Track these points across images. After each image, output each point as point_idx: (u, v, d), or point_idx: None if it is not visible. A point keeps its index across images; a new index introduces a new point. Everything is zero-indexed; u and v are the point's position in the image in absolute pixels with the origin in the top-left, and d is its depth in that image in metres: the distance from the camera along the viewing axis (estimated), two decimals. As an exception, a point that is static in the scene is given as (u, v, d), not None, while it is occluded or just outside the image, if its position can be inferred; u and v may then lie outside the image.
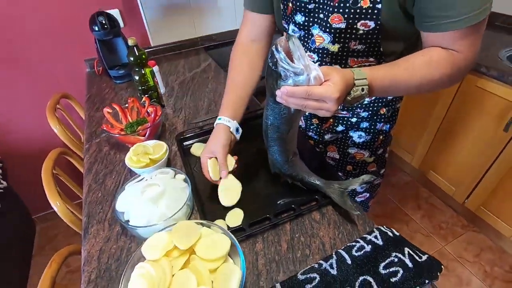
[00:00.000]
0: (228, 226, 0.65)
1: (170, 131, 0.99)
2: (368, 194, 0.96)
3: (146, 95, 1.03)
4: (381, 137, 0.84)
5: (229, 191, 0.70)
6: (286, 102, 0.52)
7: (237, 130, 0.75)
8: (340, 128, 0.84)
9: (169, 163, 0.85)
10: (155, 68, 1.11)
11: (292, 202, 0.70)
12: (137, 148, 0.76)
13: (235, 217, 0.66)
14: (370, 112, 0.79)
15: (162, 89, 1.19)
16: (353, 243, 0.60)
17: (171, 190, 0.66)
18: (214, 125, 0.74)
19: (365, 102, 0.77)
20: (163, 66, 1.46)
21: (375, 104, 0.77)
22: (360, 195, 0.96)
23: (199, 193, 0.73)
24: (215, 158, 0.71)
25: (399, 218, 1.69)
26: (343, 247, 0.60)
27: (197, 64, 1.45)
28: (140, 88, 1.03)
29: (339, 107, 0.57)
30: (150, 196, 0.63)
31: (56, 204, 0.83)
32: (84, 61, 1.44)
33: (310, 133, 0.90)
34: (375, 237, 0.61)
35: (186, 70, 1.40)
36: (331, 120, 0.83)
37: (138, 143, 0.77)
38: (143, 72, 1.00)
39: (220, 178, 0.70)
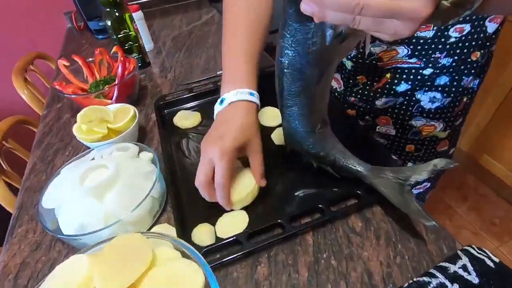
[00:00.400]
0: (216, 237, 0.41)
1: (153, 95, 0.74)
2: (429, 184, 0.69)
3: (124, 48, 0.79)
4: (465, 98, 0.56)
5: (235, 185, 0.45)
6: (319, 12, 0.25)
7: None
8: (402, 87, 0.55)
9: (143, 137, 0.61)
10: (137, 15, 0.85)
11: (317, 198, 0.45)
12: (89, 113, 0.52)
13: (233, 223, 0.42)
14: (455, 58, 0.50)
15: (148, 45, 0.94)
16: (425, 278, 0.34)
17: (128, 176, 0.42)
18: (234, 99, 0.45)
19: (452, 39, 0.48)
20: (156, 21, 1.19)
21: (467, 46, 0.49)
22: (418, 186, 0.69)
23: (177, 183, 0.49)
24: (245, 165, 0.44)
25: (440, 211, 1.41)
26: (406, 284, 0.34)
27: (198, 17, 1.18)
28: (115, 37, 0.78)
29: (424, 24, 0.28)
30: (91, 186, 0.40)
31: (-5, 187, 0.62)
32: (64, 15, 1.20)
33: (352, 99, 0.62)
34: (464, 267, 0.35)
35: (183, 24, 1.13)
36: (388, 75, 0.55)
37: (91, 106, 0.53)
38: (117, 14, 0.75)
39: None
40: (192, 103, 0.66)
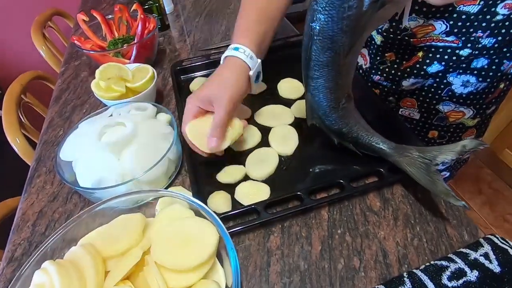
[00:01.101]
0: (232, 205, 0.40)
1: (171, 59, 0.72)
2: (448, 173, 0.66)
3: (144, 7, 0.76)
4: (502, 85, 0.51)
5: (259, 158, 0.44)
6: None
7: (257, 76, 0.46)
8: (434, 68, 0.50)
9: (160, 100, 0.60)
10: (159, -28, 0.81)
11: (338, 173, 0.43)
12: (108, 69, 0.51)
13: (254, 192, 0.41)
14: (499, 39, 0.45)
15: (168, 7, 0.90)
16: (444, 262, 0.33)
17: (146, 135, 0.42)
18: (222, 57, 0.46)
19: (499, 17, 0.43)
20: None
21: (510, 25, 0.43)
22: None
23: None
24: (210, 114, 0.43)
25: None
26: (423, 266, 0.33)
27: (220, -19, 1.12)
28: (134, -5, 0.75)
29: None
30: (109, 142, 0.39)
31: (15, 141, 0.63)
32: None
33: (377, 77, 0.58)
34: (485, 255, 0.34)
35: (204, -13, 1.08)
36: (420, 53, 0.50)
37: (110, 63, 0.52)
38: (138, -30, 0.71)
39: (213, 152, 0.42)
40: (209, 70, 0.63)
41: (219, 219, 0.28)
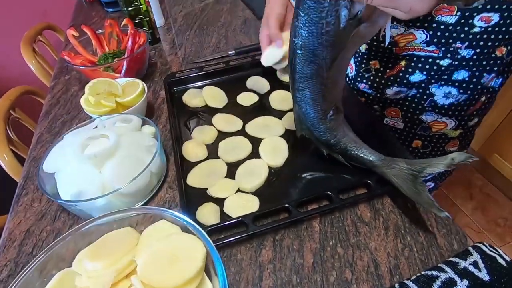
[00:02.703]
0: (221, 216, 0.40)
1: (162, 72, 0.73)
2: (432, 184, 0.67)
3: (135, 22, 0.76)
4: (483, 98, 0.53)
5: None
6: None
7: None
8: (416, 77, 0.52)
9: (151, 114, 0.60)
10: (150, -13, 0.82)
11: (326, 184, 0.44)
12: (97, 85, 0.51)
13: (242, 204, 0.41)
14: (477, 51, 0.46)
15: (159, 21, 0.91)
16: (434, 272, 0.34)
17: (128, 147, 0.41)
18: None
19: (476, 29, 0.44)
20: (168, -3, 1.15)
21: (493, 40, 0.45)
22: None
23: (183, 161, 0.48)
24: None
25: (444, 208, 1.39)
26: (414, 277, 0.34)
27: (211, -5, 1.14)
28: (125, 9, 0.75)
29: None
30: (90, 154, 0.39)
31: (3, 157, 0.62)
32: (74, -15, 1.17)
33: (362, 85, 0.59)
34: (474, 264, 0.34)
35: (195, 1, 1.09)
36: (403, 62, 0.52)
37: (99, 78, 0.52)
38: (128, -14, 0.72)
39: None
40: (202, 82, 0.64)
41: (205, 234, 0.28)
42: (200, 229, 0.28)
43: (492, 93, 0.53)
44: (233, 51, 0.75)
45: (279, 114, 0.55)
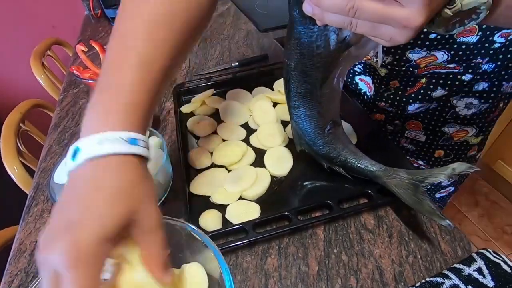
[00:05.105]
0: (223, 223, 0.41)
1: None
2: (452, 188, 0.67)
3: (140, 36, 0.79)
4: (501, 104, 0.54)
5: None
6: (319, 13, 0.26)
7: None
8: (438, 92, 0.51)
9: (156, 125, 0.61)
10: (155, 3, 0.85)
11: (327, 193, 0.44)
12: (106, 98, 0.52)
13: (245, 211, 0.42)
14: (498, 64, 0.47)
15: (165, 34, 0.94)
16: (439, 279, 0.34)
17: None
18: (90, 156, 0.24)
19: (496, 45, 0.44)
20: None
21: (509, 50, 0.45)
22: (442, 190, 0.65)
23: (189, 168, 0.49)
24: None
25: (450, 215, 1.37)
26: (418, 284, 0.34)
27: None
28: (132, 25, 0.78)
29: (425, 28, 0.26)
30: None
31: (13, 169, 0.63)
32: (81, 1, 1.21)
33: (382, 104, 0.58)
34: (479, 270, 0.34)
35: (199, 15, 1.13)
36: (424, 80, 0.51)
37: (108, 91, 0.54)
38: (135, 2, 0.75)
39: None
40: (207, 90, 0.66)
41: (215, 245, 0.29)
42: (209, 239, 0.29)
43: (509, 98, 0.54)
44: (237, 63, 0.77)
45: (284, 124, 0.56)
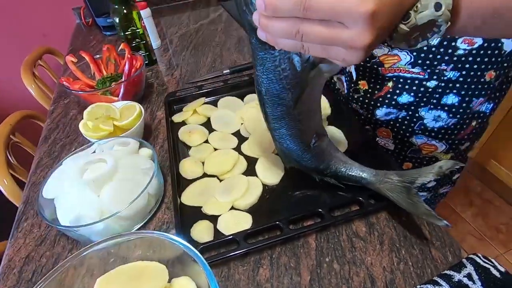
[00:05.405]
0: (215, 234, 0.41)
1: (159, 93, 0.74)
2: (449, 187, 0.66)
3: (132, 45, 0.79)
4: (473, 123, 0.53)
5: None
6: (271, 39, 0.26)
7: None
8: (404, 98, 0.52)
9: (149, 135, 0.61)
10: (145, 12, 0.85)
11: (318, 201, 0.44)
12: (95, 110, 0.52)
13: (236, 222, 0.42)
14: (463, 73, 0.47)
15: (155, 43, 0.94)
16: (429, 286, 0.34)
17: (126, 171, 0.42)
18: None
19: (460, 51, 0.45)
20: (163, 19, 1.19)
21: (479, 63, 0.45)
22: (445, 187, 0.65)
23: (180, 178, 0.49)
24: None
25: (444, 216, 1.37)
26: (410, 291, 0.34)
27: (206, 15, 1.18)
28: (122, 34, 0.78)
29: (378, 46, 0.27)
30: (88, 179, 0.40)
31: (3, 182, 0.62)
32: (72, 10, 1.21)
33: (355, 105, 0.60)
34: (469, 276, 0.34)
35: (190, 22, 1.13)
36: (390, 83, 0.52)
37: (97, 103, 0.53)
38: (125, 12, 0.75)
39: None
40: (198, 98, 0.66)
41: (203, 258, 0.29)
42: (199, 254, 0.29)
43: (483, 118, 0.53)
44: (228, 70, 0.77)
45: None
